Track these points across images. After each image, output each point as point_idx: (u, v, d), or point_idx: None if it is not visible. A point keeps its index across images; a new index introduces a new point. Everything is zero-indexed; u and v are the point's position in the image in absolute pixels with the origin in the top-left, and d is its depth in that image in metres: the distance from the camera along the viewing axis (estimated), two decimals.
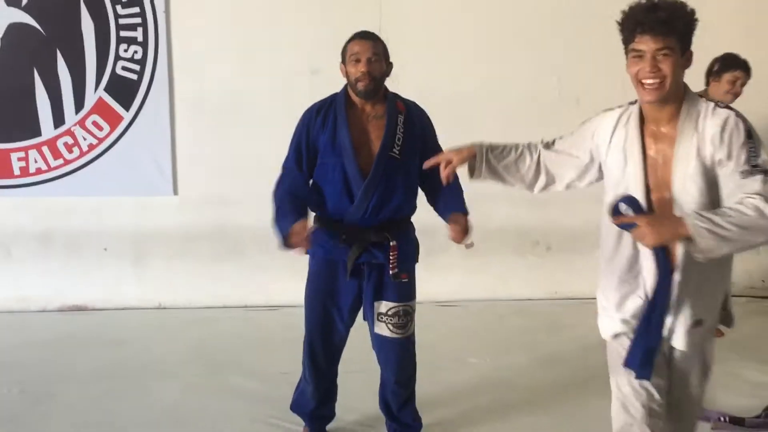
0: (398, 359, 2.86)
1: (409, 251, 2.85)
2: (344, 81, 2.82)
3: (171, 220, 4.81)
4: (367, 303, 2.82)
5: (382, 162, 2.71)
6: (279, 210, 2.72)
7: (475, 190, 4.78)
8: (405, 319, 2.80)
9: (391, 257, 2.73)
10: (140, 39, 4.53)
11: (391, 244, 2.73)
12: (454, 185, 2.76)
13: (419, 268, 4.95)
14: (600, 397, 3.33)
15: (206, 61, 4.68)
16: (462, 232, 2.71)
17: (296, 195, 2.76)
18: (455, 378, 3.66)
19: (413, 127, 2.82)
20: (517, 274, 5.10)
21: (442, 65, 4.80)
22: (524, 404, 3.35)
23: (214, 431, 3.13)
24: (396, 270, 2.73)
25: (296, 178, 2.79)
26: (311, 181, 2.82)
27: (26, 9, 4.44)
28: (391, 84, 5.02)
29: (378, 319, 2.79)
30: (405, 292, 2.80)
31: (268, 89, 4.76)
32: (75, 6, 4.45)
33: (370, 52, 2.70)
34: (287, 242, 2.63)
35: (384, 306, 2.78)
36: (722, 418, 3.14)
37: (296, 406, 3.07)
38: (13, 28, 4.46)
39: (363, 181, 2.70)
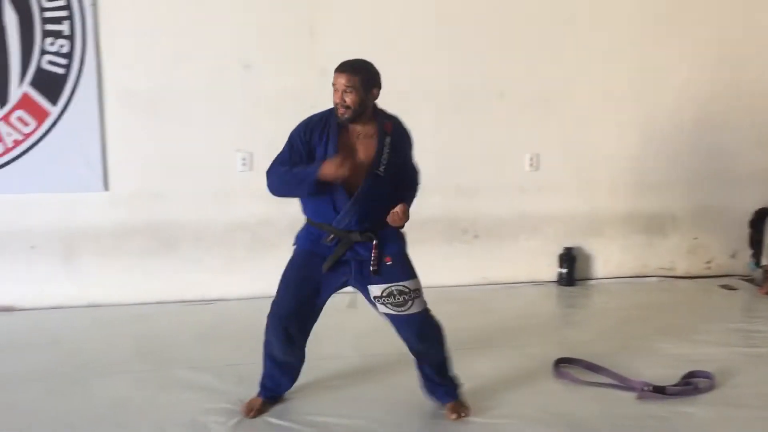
0: (410, 333, 3.06)
1: (391, 237, 3.01)
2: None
3: (102, 217, 4.72)
4: (363, 291, 3.01)
5: (368, 184, 2.89)
6: (291, 172, 2.87)
7: None
8: (400, 298, 2.95)
9: (373, 255, 2.93)
10: (66, 32, 4.42)
11: (374, 243, 2.94)
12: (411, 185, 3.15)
13: None
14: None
15: (136, 54, 4.61)
16: (398, 215, 2.90)
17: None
18: None
19: (398, 145, 2.99)
20: (447, 262, 5.29)
21: None
22: None
23: (165, 422, 3.12)
24: (376, 267, 2.93)
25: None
26: None
27: None
28: None
29: (378, 302, 2.98)
30: (393, 274, 2.97)
31: (200, 83, 4.74)
32: None
33: (344, 85, 2.84)
34: (324, 174, 2.76)
35: (377, 289, 2.97)
36: (645, 388, 3.37)
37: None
38: None
39: (348, 199, 2.88)
